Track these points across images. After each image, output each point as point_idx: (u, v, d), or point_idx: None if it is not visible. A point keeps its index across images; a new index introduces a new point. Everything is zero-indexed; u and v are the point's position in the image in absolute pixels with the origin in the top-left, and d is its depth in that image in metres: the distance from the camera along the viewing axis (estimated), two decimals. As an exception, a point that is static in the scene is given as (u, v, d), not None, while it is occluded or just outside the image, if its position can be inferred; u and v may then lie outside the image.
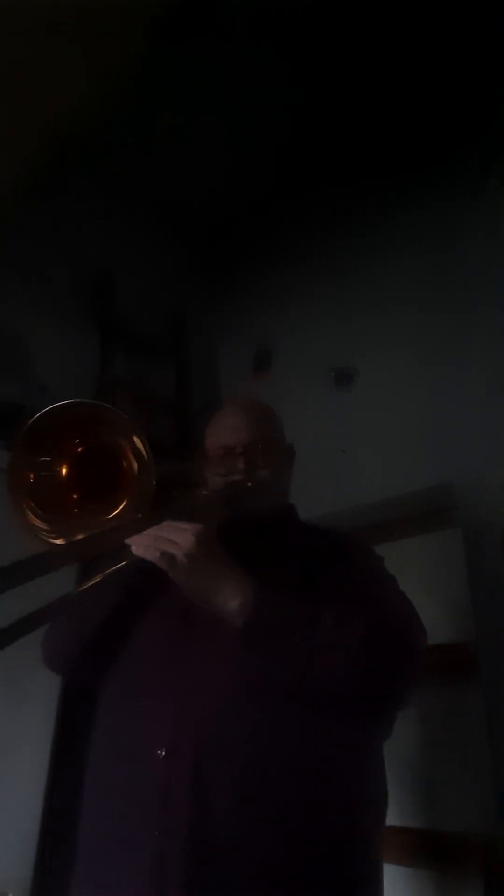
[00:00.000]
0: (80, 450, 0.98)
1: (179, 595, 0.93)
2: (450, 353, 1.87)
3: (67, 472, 0.98)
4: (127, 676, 1.01)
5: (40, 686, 1.79)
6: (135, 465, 0.93)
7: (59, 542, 0.91)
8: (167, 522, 0.93)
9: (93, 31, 1.52)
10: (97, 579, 0.92)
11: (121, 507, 0.95)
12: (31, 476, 0.94)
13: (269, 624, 0.90)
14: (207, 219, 2.51)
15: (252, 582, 0.91)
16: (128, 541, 0.91)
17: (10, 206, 1.89)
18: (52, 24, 1.48)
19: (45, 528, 0.92)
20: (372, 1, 1.73)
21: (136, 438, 0.93)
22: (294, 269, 2.39)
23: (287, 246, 2.42)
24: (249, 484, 1.11)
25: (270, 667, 0.90)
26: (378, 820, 0.99)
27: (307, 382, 2.21)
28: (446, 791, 1.62)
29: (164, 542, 0.90)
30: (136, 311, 2.40)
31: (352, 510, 1.91)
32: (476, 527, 1.67)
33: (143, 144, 2.19)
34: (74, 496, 0.97)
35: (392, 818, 1.68)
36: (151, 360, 2.45)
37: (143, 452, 0.92)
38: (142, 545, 0.90)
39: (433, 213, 2.04)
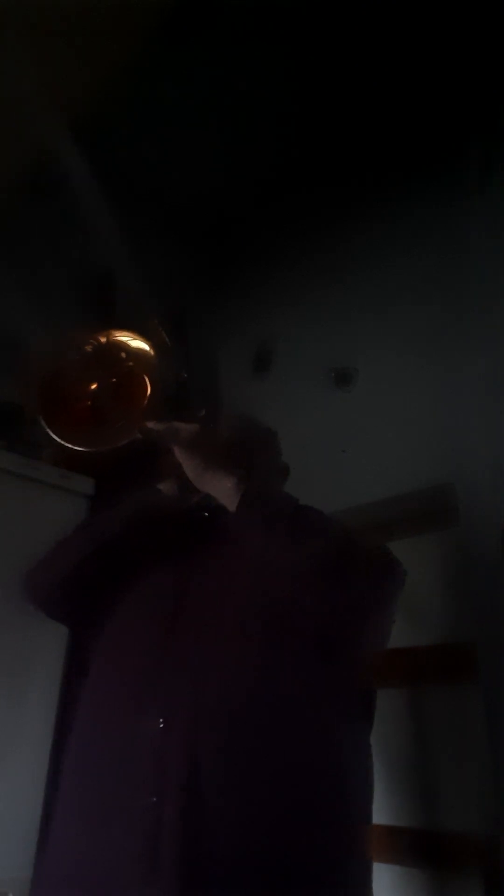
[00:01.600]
0: (113, 380, 1.09)
1: (180, 567, 1.01)
2: (450, 353, 1.87)
3: (95, 388, 1.09)
4: (118, 653, 1.04)
5: (40, 686, 1.79)
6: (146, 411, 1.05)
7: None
8: None
9: (93, 30, 1.52)
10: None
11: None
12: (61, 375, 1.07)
13: (262, 502, 0.98)
14: (207, 218, 2.51)
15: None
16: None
17: (9, 206, 1.89)
18: (51, 23, 1.48)
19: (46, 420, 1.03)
20: (372, 1, 1.73)
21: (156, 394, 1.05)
22: (294, 268, 2.38)
23: (287, 246, 2.42)
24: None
25: (256, 546, 0.98)
26: (365, 798, 1.02)
27: (307, 382, 2.21)
28: (446, 791, 1.62)
29: (174, 421, 1.03)
30: (135, 311, 2.39)
31: (352, 510, 1.91)
32: (476, 527, 1.67)
33: (143, 144, 2.19)
34: (88, 404, 1.08)
35: (391, 818, 1.69)
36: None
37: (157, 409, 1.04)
38: (152, 422, 1.02)
39: (434, 213, 2.03)
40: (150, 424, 1.02)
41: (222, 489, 0.99)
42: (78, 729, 1.04)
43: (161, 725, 0.91)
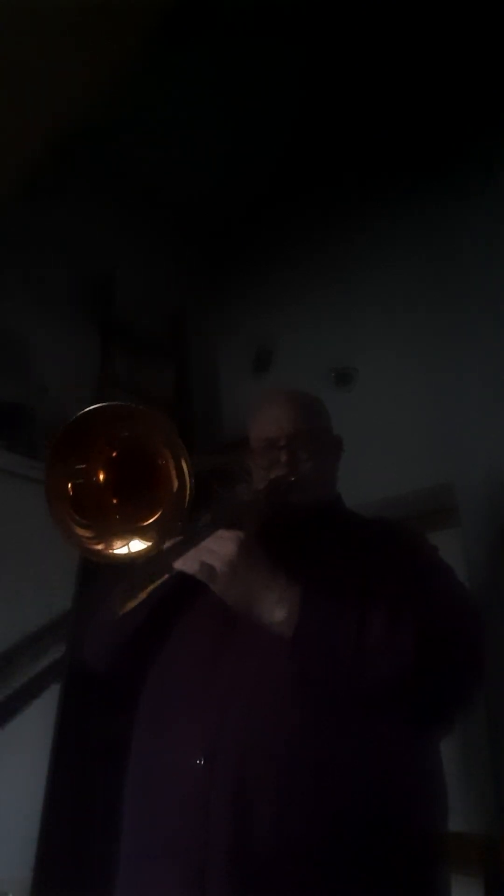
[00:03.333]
0: (113, 454, 0.96)
1: (221, 602, 0.91)
2: (450, 352, 1.87)
3: (105, 477, 0.96)
4: (165, 684, 0.99)
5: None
6: (171, 461, 0.91)
7: (99, 547, 0.91)
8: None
9: (93, 30, 1.52)
10: (141, 597, 0.88)
11: (160, 505, 0.93)
12: (70, 485, 0.93)
13: (318, 633, 0.86)
14: (207, 219, 2.51)
15: (296, 589, 0.88)
16: (167, 549, 0.88)
17: (10, 206, 1.89)
18: (51, 23, 1.48)
19: (87, 535, 0.91)
20: (373, 1, 1.73)
21: (169, 433, 0.90)
22: (294, 269, 2.38)
23: (287, 246, 2.42)
24: (293, 478, 1.08)
25: (319, 676, 0.87)
26: (436, 826, 0.92)
27: (307, 382, 2.20)
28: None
29: (203, 552, 0.88)
30: (136, 311, 2.40)
31: (352, 510, 1.91)
32: (476, 527, 1.66)
33: (143, 144, 2.19)
34: (114, 500, 0.95)
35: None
36: (151, 360, 2.45)
37: (178, 446, 0.89)
38: (181, 557, 0.88)
39: (434, 213, 2.04)
40: (180, 565, 0.88)
41: (274, 620, 0.87)
42: (134, 757, 0.98)
43: (201, 763, 0.84)
